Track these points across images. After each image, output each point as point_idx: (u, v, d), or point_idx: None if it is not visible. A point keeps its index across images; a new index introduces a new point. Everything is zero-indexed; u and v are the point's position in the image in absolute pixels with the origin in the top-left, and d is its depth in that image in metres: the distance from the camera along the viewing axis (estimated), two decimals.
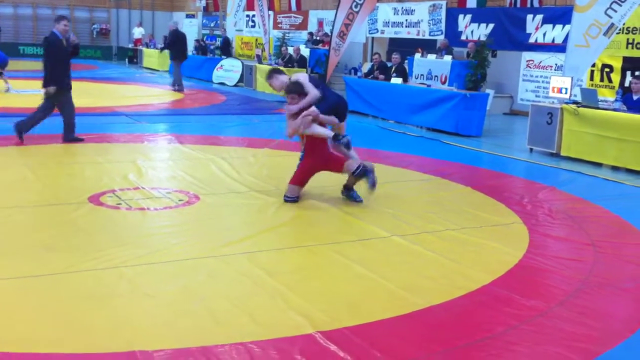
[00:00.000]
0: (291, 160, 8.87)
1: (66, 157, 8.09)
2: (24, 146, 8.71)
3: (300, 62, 17.86)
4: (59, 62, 8.86)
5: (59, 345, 3.36)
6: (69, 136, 9.15)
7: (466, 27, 16.36)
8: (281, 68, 17.48)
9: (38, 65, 16.93)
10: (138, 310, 3.86)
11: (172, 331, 3.60)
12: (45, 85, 8.86)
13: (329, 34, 17.57)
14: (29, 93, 15.15)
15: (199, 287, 4.28)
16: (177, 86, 17.27)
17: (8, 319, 3.65)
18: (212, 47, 23.24)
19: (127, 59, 29.41)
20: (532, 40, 14.64)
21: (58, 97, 8.93)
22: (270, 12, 21.18)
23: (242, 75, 19.99)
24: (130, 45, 30.09)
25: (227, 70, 20.59)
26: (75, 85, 16.76)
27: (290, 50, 18.46)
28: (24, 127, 8.85)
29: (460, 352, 3.49)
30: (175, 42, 17.36)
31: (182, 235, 5.32)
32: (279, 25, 23.68)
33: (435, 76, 15.03)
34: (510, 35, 15.14)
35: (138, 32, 29.50)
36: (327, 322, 3.74)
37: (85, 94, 15.66)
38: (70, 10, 31.85)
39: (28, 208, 5.90)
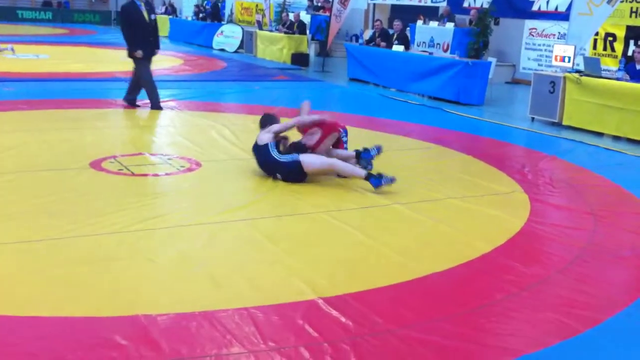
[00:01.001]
0: None
1: (66, 122, 8.05)
2: (23, 111, 8.67)
3: (301, 28, 17.71)
4: (137, 29, 8.85)
5: (61, 308, 3.39)
6: (129, 97, 9.36)
7: None
8: (281, 34, 17.36)
9: (37, 29, 16.85)
10: (139, 275, 3.88)
11: (174, 296, 3.62)
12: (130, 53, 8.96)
13: (330, 0, 17.39)
14: (29, 58, 15.07)
15: (199, 253, 4.30)
16: None
17: (9, 283, 3.67)
18: (201, 14, 22.96)
19: None
20: (535, 8, 14.50)
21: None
22: None
23: (242, 42, 19.83)
24: None
25: (227, 37, 20.43)
26: (75, 51, 16.64)
27: (291, 16, 18.28)
28: (132, 97, 9.26)
29: (460, 319, 3.52)
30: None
31: (183, 201, 5.33)
32: None
33: (437, 44, 14.92)
34: (513, 3, 14.99)
35: None
36: (328, 288, 3.77)
37: (84, 59, 15.58)
38: None
39: (29, 173, 5.89)
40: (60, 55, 16.04)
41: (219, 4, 23.50)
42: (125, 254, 4.18)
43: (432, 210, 5.37)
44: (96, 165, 6.15)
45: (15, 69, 12.68)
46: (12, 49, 15.38)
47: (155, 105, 9.19)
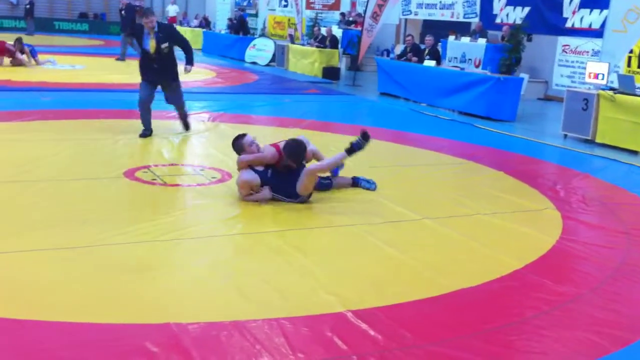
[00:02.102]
0: (322, 140, 8.89)
1: (101, 132, 8.18)
2: (60, 121, 8.84)
3: (332, 42, 17.81)
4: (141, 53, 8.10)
5: (93, 315, 3.44)
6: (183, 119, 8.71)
7: (501, 10, 16.14)
8: (313, 48, 17.46)
9: (74, 40, 17.18)
10: (170, 284, 3.93)
11: (204, 305, 3.66)
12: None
13: (362, 14, 17.47)
14: (66, 68, 15.36)
15: (230, 263, 4.35)
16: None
17: (43, 290, 3.74)
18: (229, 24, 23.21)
19: None
20: (568, 24, 14.40)
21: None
22: None
23: (274, 55, 19.99)
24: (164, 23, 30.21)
25: (260, 50, 20.61)
26: (110, 62, 16.92)
27: (323, 30, 18.39)
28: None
29: (489, 336, 3.50)
30: (129, 15, 17.79)
31: (214, 212, 5.38)
32: (312, 5, 23.57)
33: (469, 59, 14.88)
34: (546, 19, 14.90)
35: (172, 9, 29.58)
36: (356, 301, 3.78)
37: (119, 70, 15.84)
38: None
39: (65, 181, 6.01)
40: (96, 66, 16.33)
41: (245, 18, 23.75)
42: (157, 263, 4.24)
43: (462, 226, 5.35)
44: (130, 174, 6.25)
45: (53, 79, 12.94)
46: (54, 62, 15.69)
47: (144, 133, 8.13)
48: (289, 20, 23.71)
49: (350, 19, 20.88)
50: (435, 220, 5.43)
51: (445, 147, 8.80)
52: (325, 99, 13.51)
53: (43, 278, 3.89)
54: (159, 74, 8.08)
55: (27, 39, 18.35)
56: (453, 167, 7.72)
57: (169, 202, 5.61)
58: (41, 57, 15.68)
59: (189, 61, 8.40)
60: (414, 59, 13.86)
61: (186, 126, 8.63)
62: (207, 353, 3.12)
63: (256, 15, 26.03)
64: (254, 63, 20.27)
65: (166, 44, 7.94)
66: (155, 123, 9.17)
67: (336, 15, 21.93)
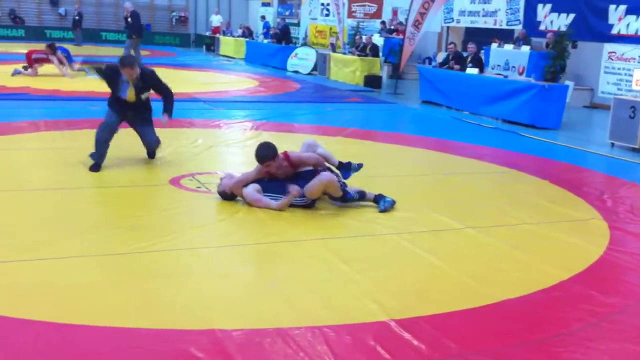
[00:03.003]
0: (363, 148, 8.91)
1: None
2: None
3: (374, 51, 17.82)
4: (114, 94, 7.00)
5: (139, 320, 3.50)
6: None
7: (545, 16, 15.95)
8: (354, 57, 17.47)
9: (120, 51, 17.53)
10: (215, 290, 3.98)
11: (248, 311, 3.70)
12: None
13: (403, 22, 17.45)
14: None
15: (273, 270, 4.39)
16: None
17: (91, 294, 3.82)
18: (269, 33, 23.38)
19: (204, 47, 29.97)
20: (614, 31, 14.15)
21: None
22: (345, 1, 21.17)
23: (316, 64, 20.09)
24: (208, 33, 30.64)
25: (302, 59, 20.73)
26: (156, 71, 17.10)
27: (365, 39, 18.42)
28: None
29: (535, 347, 3.46)
30: (135, 22, 17.83)
31: (257, 219, 5.42)
32: (354, 14, 23.64)
33: (513, 67, 14.71)
34: (592, 26, 14.67)
35: (216, 20, 29.99)
36: (400, 310, 3.77)
37: (164, 80, 16.09)
38: None
39: (113, 188, 6.15)
40: None
41: (289, 27, 23.95)
42: (202, 270, 4.31)
43: (506, 236, 5.30)
44: (175, 182, 6.35)
45: (100, 89, 13.18)
46: (87, 71, 15.83)
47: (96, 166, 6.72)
48: (331, 29, 23.82)
49: (392, 27, 20.87)
50: (479, 230, 5.38)
51: (488, 155, 8.73)
52: (366, 107, 13.52)
53: (90, 283, 3.98)
54: (132, 116, 7.09)
55: (75, 50, 18.78)
56: (496, 175, 7.65)
57: (213, 209, 5.68)
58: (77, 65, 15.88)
59: (168, 110, 7.10)
60: (456, 66, 13.79)
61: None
62: None
63: (298, 24, 26.21)
64: (296, 72, 20.40)
65: (146, 94, 7.03)
66: (200, 132, 9.31)
67: (378, 24, 21.95)
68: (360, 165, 6.21)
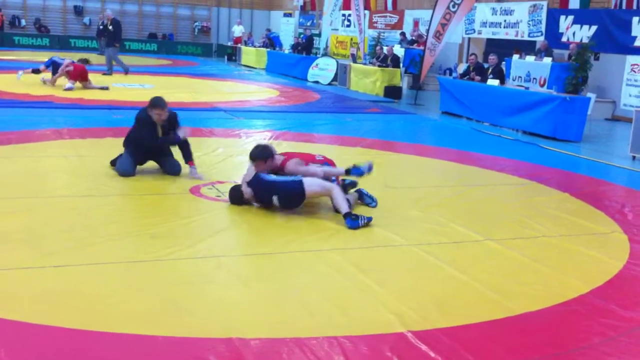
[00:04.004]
0: (382, 159, 8.92)
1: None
2: None
3: (394, 61, 17.84)
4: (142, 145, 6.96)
5: (158, 327, 3.53)
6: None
7: (567, 28, 15.87)
8: (375, 67, 17.51)
9: (143, 60, 17.74)
10: (233, 299, 4.01)
11: (266, 321, 3.71)
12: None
13: (424, 34, 17.45)
14: (135, 87, 15.85)
15: (291, 280, 4.40)
16: (111, 70, 17.81)
17: (112, 301, 3.86)
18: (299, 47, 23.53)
19: (226, 56, 30.19)
20: (637, 43, 14.03)
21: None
22: (366, 12, 21.24)
23: (336, 74, 20.15)
24: (230, 43, 30.86)
25: (322, 69, 20.80)
26: (178, 81, 17.37)
27: (385, 49, 18.45)
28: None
29: None
30: (117, 30, 18.07)
31: (276, 228, 5.45)
32: (375, 25, 23.70)
33: (534, 78, 14.67)
34: (614, 38, 14.57)
35: (238, 30, 30.21)
36: (417, 321, 3.77)
37: (186, 89, 16.25)
38: (174, 8, 33.05)
39: (135, 196, 6.22)
40: (164, 85, 16.78)
41: (313, 38, 24.12)
42: (221, 278, 4.34)
43: (526, 248, 5.27)
44: (195, 191, 6.40)
45: (123, 98, 13.37)
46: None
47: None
48: (352, 39, 23.89)
49: (413, 38, 20.89)
50: (499, 242, 5.37)
51: (508, 167, 8.69)
52: (386, 118, 13.53)
53: (110, 290, 4.02)
54: (155, 156, 7.11)
55: (97, 59, 19.00)
56: (517, 187, 7.62)
57: (232, 218, 5.72)
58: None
59: (191, 158, 7.00)
60: (477, 78, 13.76)
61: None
62: None
63: (319, 35, 26.32)
64: (316, 82, 20.47)
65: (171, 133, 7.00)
66: (220, 141, 9.38)
67: (398, 35, 21.98)
68: (370, 166, 6.11)
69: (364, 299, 4.08)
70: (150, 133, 6.81)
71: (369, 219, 5.59)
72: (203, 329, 3.54)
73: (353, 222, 5.51)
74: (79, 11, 31.10)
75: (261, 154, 5.94)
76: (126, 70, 18.19)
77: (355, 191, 6.33)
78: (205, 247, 4.84)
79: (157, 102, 6.74)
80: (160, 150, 7.04)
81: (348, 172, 6.09)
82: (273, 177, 5.85)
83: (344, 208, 5.62)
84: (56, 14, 31.21)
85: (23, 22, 30.70)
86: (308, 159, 6.28)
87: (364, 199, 6.30)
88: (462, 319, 3.85)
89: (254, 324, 3.66)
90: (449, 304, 4.11)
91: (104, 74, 17.46)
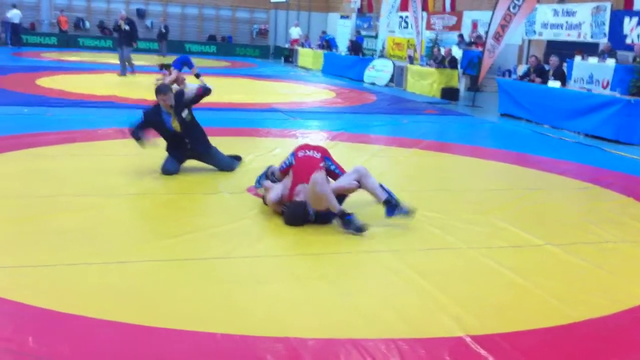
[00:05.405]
0: (439, 161, 8.84)
1: (225, 148, 8.46)
2: None
3: (452, 63, 17.65)
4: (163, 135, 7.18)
5: (215, 325, 3.56)
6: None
7: (632, 30, 15.39)
8: (432, 69, 17.34)
9: (202, 62, 18.04)
10: (290, 298, 4.02)
11: (323, 321, 3.71)
12: None
13: (482, 35, 17.21)
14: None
15: (347, 281, 4.40)
16: (125, 71, 17.65)
17: (169, 299, 3.92)
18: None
19: (283, 58, 30.41)
20: None
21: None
22: (424, 13, 21.06)
23: (392, 76, 20.05)
24: (287, 45, 31.07)
25: (379, 71, 20.74)
26: (236, 82, 17.57)
27: (443, 51, 18.27)
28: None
29: None
30: (133, 29, 17.87)
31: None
32: (432, 26, 23.48)
33: (597, 80, 14.27)
34: None
35: (295, 32, 30.40)
36: (477, 326, 3.71)
37: (244, 90, 16.44)
38: (233, 11, 33.47)
39: (194, 195, 6.32)
40: (223, 86, 16.96)
41: (360, 42, 24.19)
42: (279, 277, 4.37)
43: (588, 254, 5.13)
44: (252, 190, 6.46)
45: None
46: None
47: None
48: (408, 41, 23.73)
49: (471, 40, 20.62)
50: (560, 247, 5.24)
51: (570, 170, 8.48)
52: (443, 119, 13.40)
53: (169, 288, 4.09)
54: (192, 150, 7.17)
55: (159, 60, 19.37)
56: (578, 191, 7.43)
57: None
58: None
59: (205, 88, 7.28)
60: (538, 79, 13.49)
61: (236, 158, 7.59)
62: None
63: (376, 36, 26.23)
64: (373, 84, 20.42)
65: (186, 111, 7.03)
66: (277, 141, 9.45)
67: (455, 37, 21.73)
68: (409, 211, 5.52)
69: (421, 302, 4.04)
70: (161, 127, 7.00)
71: (407, 211, 5.47)
72: (261, 328, 3.57)
73: (390, 211, 5.46)
74: (141, 14, 31.78)
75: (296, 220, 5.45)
76: (131, 70, 17.98)
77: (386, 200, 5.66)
78: (262, 247, 4.88)
79: (159, 88, 6.96)
80: (191, 137, 7.04)
81: (387, 202, 5.57)
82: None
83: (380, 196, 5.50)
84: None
85: (87, 24, 31.56)
86: (316, 165, 5.70)
87: (390, 213, 5.63)
88: (522, 324, 3.78)
89: (310, 324, 3.66)
90: (509, 309, 4.03)
91: (119, 74, 17.59)
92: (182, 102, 7.02)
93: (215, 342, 3.40)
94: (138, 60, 19.10)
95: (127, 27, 17.62)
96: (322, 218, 5.47)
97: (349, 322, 3.72)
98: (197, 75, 15.32)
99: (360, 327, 3.65)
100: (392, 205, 5.55)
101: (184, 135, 7.05)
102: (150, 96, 7.02)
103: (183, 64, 15.22)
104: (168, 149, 7.15)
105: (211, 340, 3.41)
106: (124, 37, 17.62)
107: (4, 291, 3.83)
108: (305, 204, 5.40)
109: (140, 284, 4.10)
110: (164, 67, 15.40)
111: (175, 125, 7.00)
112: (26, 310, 3.63)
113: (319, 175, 5.37)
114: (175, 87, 14.62)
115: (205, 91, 7.21)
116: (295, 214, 5.41)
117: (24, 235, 4.87)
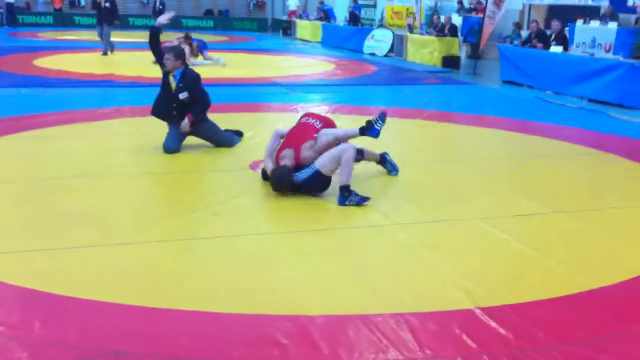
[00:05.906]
0: (441, 131, 8.76)
1: (226, 125, 8.40)
2: None
3: (452, 30, 17.46)
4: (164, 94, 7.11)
5: (223, 305, 3.54)
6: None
7: None
8: (432, 37, 17.16)
9: (199, 36, 17.85)
10: (297, 276, 3.98)
11: (331, 298, 3.68)
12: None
13: (482, 1, 16.99)
14: (194, 64, 15.97)
15: (355, 256, 4.36)
16: (107, 51, 17.40)
17: (177, 278, 3.89)
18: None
19: (281, 31, 30.14)
20: None
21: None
22: None
23: (392, 46, 19.87)
24: (285, 17, 30.78)
25: (378, 41, 20.55)
26: (234, 57, 17.46)
27: (443, 19, 18.07)
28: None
29: (628, 337, 3.31)
30: (114, 7, 17.60)
31: (336, 204, 5.39)
32: None
33: (599, 44, 14.10)
34: None
35: (292, 3, 30.08)
36: (486, 298, 3.68)
37: (242, 64, 16.29)
38: None
39: (196, 173, 6.27)
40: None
41: (358, 13, 23.95)
42: (286, 254, 4.33)
43: (595, 220, 5.09)
44: (256, 166, 6.41)
45: None
46: (221, 60, 15.68)
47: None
48: (407, 9, 23.47)
49: (471, 6, 20.39)
50: (567, 214, 5.20)
51: (573, 136, 8.41)
52: (445, 88, 13.28)
53: (174, 268, 4.06)
54: (172, 114, 7.01)
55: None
56: (584, 157, 7.37)
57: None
58: (211, 53, 16.11)
59: (194, 113, 6.89)
60: (539, 45, 13.34)
61: (236, 133, 7.65)
62: (336, 346, 3.14)
63: (374, 6, 25.97)
64: (372, 54, 20.24)
65: (186, 95, 6.87)
66: (278, 116, 9.37)
67: (455, 3, 21.48)
68: (383, 115, 5.56)
69: (430, 275, 4.01)
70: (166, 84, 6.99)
71: (363, 200, 5.26)
72: (268, 306, 3.54)
73: (342, 200, 5.27)
74: None
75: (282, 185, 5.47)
76: (110, 49, 17.63)
77: (380, 154, 6.16)
78: (268, 224, 4.85)
79: (169, 48, 7.07)
80: (179, 111, 6.90)
81: (363, 132, 5.57)
82: (300, 177, 5.42)
83: (342, 179, 5.32)
84: None
85: (82, 1, 31.25)
86: (308, 133, 5.70)
87: (386, 165, 6.17)
88: (532, 294, 3.75)
89: (318, 301, 3.64)
90: (518, 279, 4.00)
91: (102, 54, 17.35)
92: (190, 85, 6.88)
93: (222, 322, 3.37)
94: (134, 37, 18.88)
95: (107, 5, 17.31)
96: (311, 186, 5.42)
97: (357, 298, 3.69)
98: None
99: (369, 302, 3.62)
100: (368, 127, 5.55)
101: (174, 102, 6.91)
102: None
103: (203, 47, 15.93)
104: (158, 97, 7.11)
105: (218, 320, 3.39)
106: (104, 15, 17.36)
107: (9, 276, 3.79)
108: (288, 169, 5.42)
109: (143, 265, 4.07)
110: (187, 37, 15.32)
111: (172, 85, 6.91)
112: (32, 295, 3.60)
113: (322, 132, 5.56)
114: (192, 62, 14.60)
115: (194, 116, 6.92)
116: (281, 178, 5.39)
117: (27, 220, 4.84)
